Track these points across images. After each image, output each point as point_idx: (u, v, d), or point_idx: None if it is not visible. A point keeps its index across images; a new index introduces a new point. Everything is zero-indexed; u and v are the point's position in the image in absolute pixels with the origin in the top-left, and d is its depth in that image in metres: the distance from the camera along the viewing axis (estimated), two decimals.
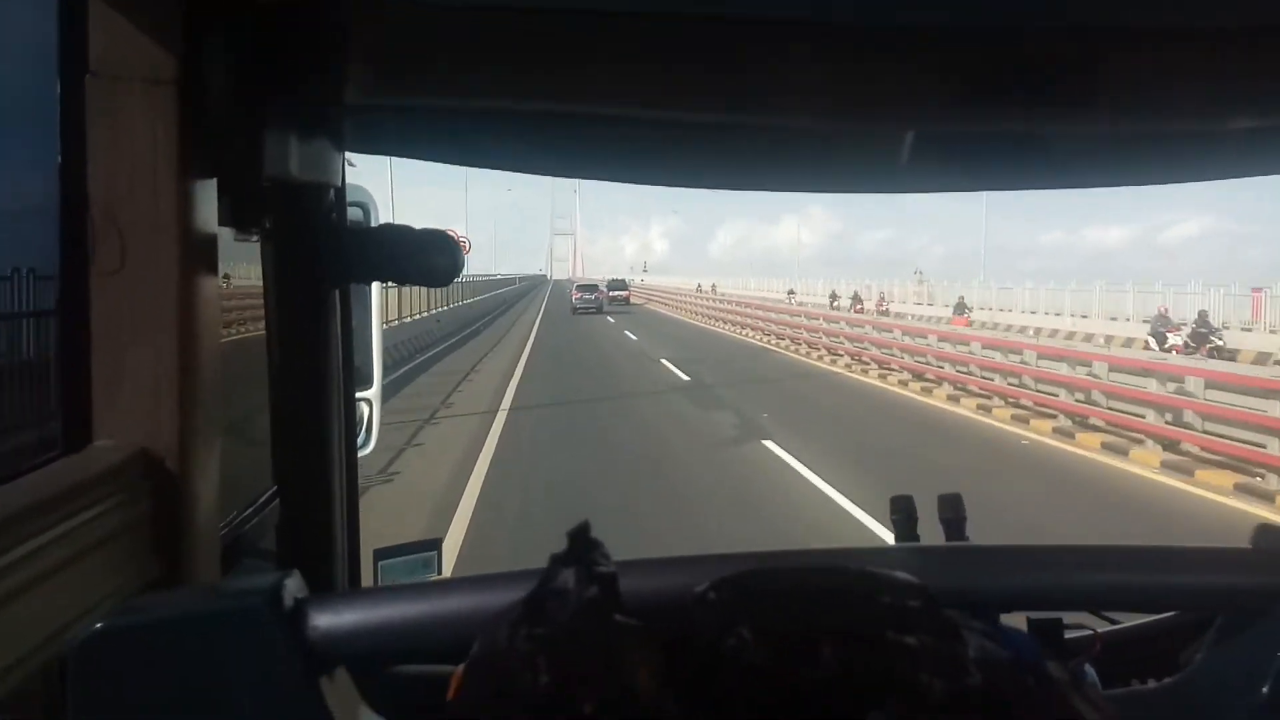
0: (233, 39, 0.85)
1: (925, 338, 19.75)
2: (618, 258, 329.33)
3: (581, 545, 0.58)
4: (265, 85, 0.88)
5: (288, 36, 0.90)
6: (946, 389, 16.98)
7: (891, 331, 21.55)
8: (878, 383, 19.21)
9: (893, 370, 19.72)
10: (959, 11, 0.96)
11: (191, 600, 0.75)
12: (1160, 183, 1.51)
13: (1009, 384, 15.48)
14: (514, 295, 71.22)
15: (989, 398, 15.68)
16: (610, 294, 59.67)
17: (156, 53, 0.80)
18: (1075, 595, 0.83)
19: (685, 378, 19.90)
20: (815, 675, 0.54)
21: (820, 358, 23.57)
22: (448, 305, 32.81)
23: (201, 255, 0.85)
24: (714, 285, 72.14)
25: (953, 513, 1.17)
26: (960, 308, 34.84)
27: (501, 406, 15.61)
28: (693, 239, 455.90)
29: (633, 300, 63.64)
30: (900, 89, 1.08)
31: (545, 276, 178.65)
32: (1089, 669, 0.94)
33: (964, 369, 16.96)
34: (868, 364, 20.89)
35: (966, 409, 15.56)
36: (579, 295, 53.69)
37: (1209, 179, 1.51)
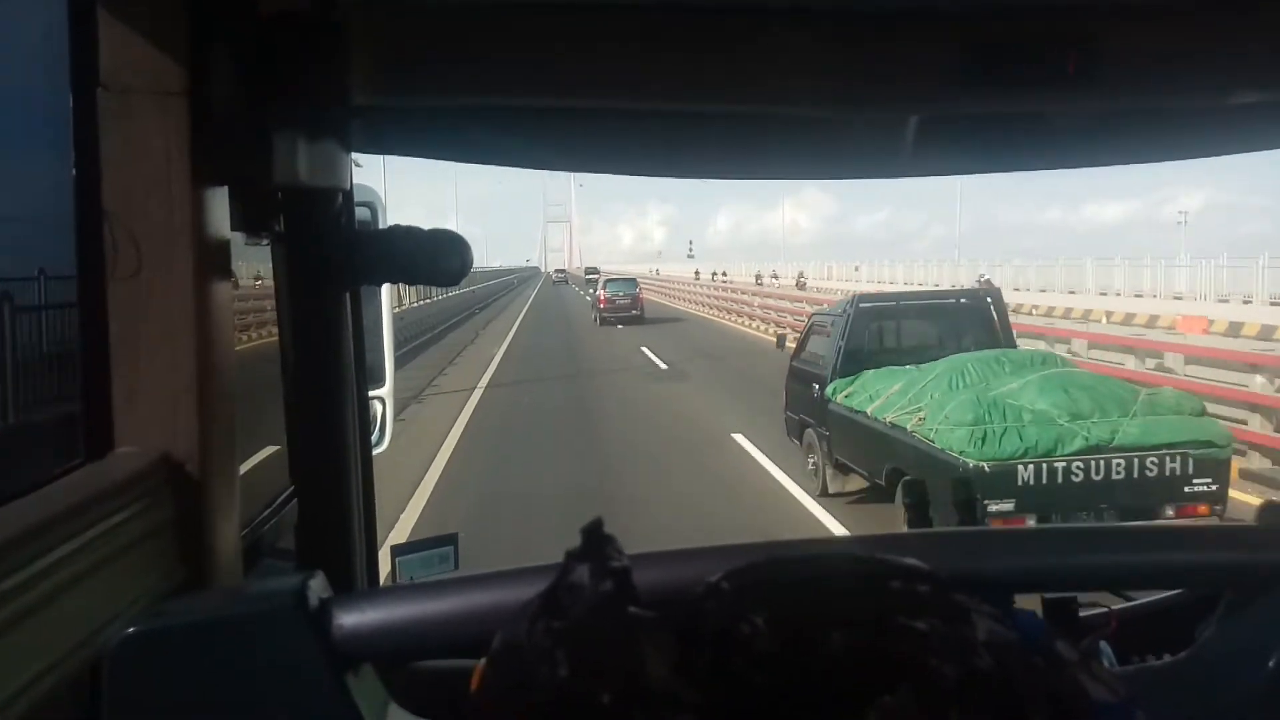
0: (238, 48, 0.86)
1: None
2: (614, 247, 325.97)
3: (595, 541, 0.59)
4: (272, 91, 0.89)
5: (292, 43, 0.90)
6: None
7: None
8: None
9: None
10: None
11: (220, 603, 0.76)
12: (1164, 160, 1.50)
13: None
14: (488, 295, 56.74)
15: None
16: (585, 276, 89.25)
17: (165, 64, 0.81)
18: (1085, 574, 0.84)
19: None
20: (827, 661, 0.55)
21: None
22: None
23: (215, 261, 0.86)
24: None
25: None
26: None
27: None
28: (690, 225, 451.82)
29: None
30: (902, 73, 1.08)
31: (538, 269, 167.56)
32: (1105, 646, 0.95)
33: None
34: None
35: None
36: (556, 274, 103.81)
37: (1213, 154, 1.50)
